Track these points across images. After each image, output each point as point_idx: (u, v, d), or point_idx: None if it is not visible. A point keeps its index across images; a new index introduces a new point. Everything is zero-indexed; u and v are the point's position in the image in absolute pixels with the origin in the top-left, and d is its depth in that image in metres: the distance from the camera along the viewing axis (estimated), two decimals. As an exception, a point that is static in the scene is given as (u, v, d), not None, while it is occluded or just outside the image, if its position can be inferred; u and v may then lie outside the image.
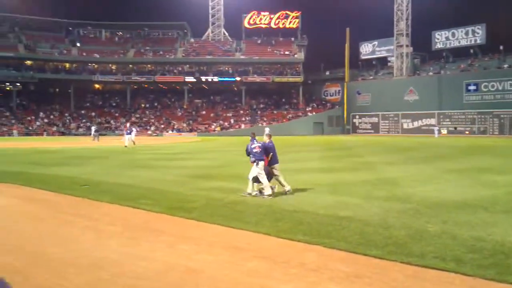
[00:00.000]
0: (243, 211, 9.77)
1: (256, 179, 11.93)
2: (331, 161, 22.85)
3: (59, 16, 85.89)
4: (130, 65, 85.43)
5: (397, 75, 76.98)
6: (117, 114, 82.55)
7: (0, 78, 78.14)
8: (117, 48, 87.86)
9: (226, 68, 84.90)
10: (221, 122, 78.84)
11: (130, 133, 37.28)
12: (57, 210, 10.52)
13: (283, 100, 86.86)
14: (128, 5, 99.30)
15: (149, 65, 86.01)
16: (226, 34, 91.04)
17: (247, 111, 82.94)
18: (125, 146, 34.85)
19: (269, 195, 11.57)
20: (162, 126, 78.18)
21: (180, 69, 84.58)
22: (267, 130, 13.32)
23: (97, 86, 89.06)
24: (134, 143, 36.73)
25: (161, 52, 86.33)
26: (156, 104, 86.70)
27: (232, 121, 79.17)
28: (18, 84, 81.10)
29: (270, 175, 12.13)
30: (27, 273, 5.97)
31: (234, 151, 31.18)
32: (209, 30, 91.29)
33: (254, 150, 12.02)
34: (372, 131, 76.79)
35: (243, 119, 79.88)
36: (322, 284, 5.55)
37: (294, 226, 8.33)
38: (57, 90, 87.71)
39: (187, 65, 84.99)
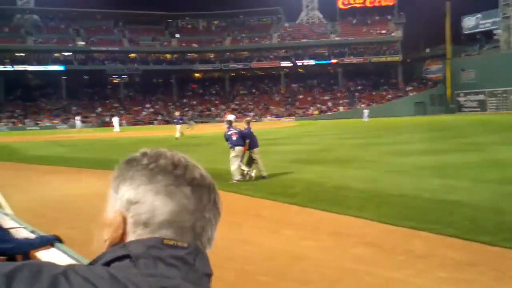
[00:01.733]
0: (345, 196, 9.72)
1: (249, 162, 13.03)
2: (435, 143, 21.99)
3: (159, 10, 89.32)
4: (227, 53, 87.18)
5: (505, 49, 71.98)
6: (217, 102, 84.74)
7: (109, 72, 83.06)
8: (214, 37, 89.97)
9: (322, 51, 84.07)
10: (318, 105, 78.40)
11: (180, 123, 34.03)
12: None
13: (382, 80, 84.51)
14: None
15: (245, 52, 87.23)
16: (320, 16, 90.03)
17: (345, 94, 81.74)
18: (176, 138, 31.82)
19: (238, 180, 12.42)
20: (261, 111, 79.17)
21: (275, 54, 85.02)
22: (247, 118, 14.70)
23: (197, 75, 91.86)
24: (182, 133, 33.90)
25: (256, 39, 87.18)
26: (254, 90, 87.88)
27: (329, 104, 78.45)
28: (125, 76, 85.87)
29: (251, 160, 13.03)
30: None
31: (333, 135, 30.98)
32: (303, 14, 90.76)
33: (233, 137, 12.88)
34: (478, 109, 72.51)
35: (341, 101, 78.84)
36: (432, 271, 5.42)
37: (399, 211, 8.17)
38: (160, 80, 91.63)
39: (283, 50, 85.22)
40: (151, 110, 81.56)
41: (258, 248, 6.55)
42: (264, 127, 48.90)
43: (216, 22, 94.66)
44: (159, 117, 77.28)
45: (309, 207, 8.92)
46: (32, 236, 3.60)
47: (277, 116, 75.46)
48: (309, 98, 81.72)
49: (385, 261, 5.83)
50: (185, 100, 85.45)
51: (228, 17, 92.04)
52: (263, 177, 12.69)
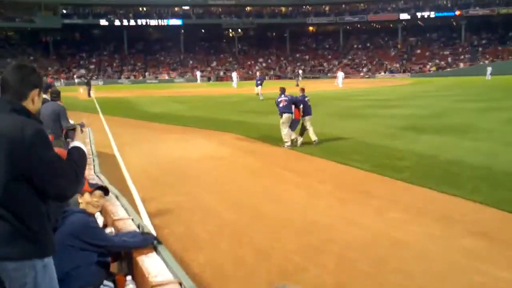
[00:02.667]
0: (457, 174, 9.13)
1: (301, 129, 13.40)
2: None
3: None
4: (343, 5, 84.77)
5: None
6: (329, 57, 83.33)
7: (225, 25, 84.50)
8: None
9: (444, 2, 78.82)
10: (437, 61, 74.17)
11: (258, 84, 31.95)
12: (274, 163, 11.14)
13: (510, 34, 77.62)
14: None
15: (362, 4, 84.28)
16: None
17: (467, 48, 76.40)
18: (261, 100, 30.07)
19: (288, 146, 12.82)
20: (375, 67, 76.66)
21: (394, 6, 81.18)
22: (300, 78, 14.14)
23: (311, 28, 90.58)
24: (257, 94, 31.57)
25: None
26: (368, 44, 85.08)
27: (449, 60, 73.92)
28: (240, 30, 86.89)
29: (303, 127, 13.34)
30: (247, 231, 6.48)
31: (450, 96, 29.24)
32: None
33: (281, 104, 13.11)
34: None
35: (462, 57, 73.89)
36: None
37: (518, 197, 7.52)
38: (274, 34, 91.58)
39: (402, 1, 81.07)
40: (264, 64, 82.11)
41: (360, 230, 6.37)
42: (376, 85, 47.40)
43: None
44: (271, 72, 77.61)
45: (417, 184, 8.49)
46: (135, 229, 3.76)
47: (391, 72, 72.65)
48: (427, 53, 77.51)
49: (499, 257, 5.40)
50: (297, 55, 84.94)
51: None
52: (314, 142, 12.93)
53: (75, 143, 2.74)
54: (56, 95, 9.03)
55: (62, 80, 67.65)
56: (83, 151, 2.70)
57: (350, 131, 15.19)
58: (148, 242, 3.51)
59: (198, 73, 66.34)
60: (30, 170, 2.37)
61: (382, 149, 12.00)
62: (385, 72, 73.08)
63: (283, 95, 13.31)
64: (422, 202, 7.55)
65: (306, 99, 13.49)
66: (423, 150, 11.58)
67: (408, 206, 7.39)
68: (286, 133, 12.94)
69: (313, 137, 13.01)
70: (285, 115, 12.94)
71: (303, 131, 13.39)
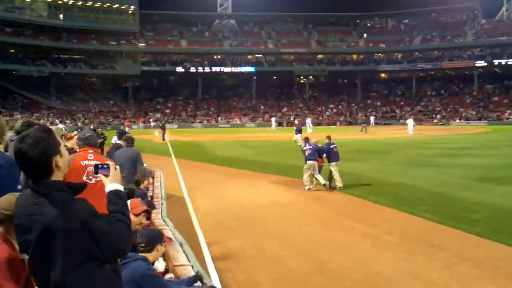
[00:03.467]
0: (536, 229, 8.66)
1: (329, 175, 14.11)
2: None
3: (348, 10, 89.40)
4: (416, 53, 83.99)
5: None
6: (402, 103, 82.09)
7: (296, 72, 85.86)
8: (402, 36, 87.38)
9: (523, 48, 76.29)
10: (516, 109, 71.15)
11: (299, 131, 31.27)
12: (339, 212, 11.03)
13: None
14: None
15: (435, 51, 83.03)
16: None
17: (550, 96, 72.91)
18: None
19: (308, 189, 13.76)
20: (449, 114, 74.64)
21: (469, 53, 79.41)
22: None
23: (382, 75, 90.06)
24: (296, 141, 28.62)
25: (448, 37, 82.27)
26: (442, 91, 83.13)
27: (530, 108, 70.75)
28: (311, 77, 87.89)
29: (330, 174, 14.17)
30: (308, 281, 6.42)
31: (531, 146, 27.91)
32: (504, 9, 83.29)
33: (306, 153, 14.11)
34: None
35: (544, 105, 70.52)
36: None
37: None
38: (345, 81, 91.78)
39: (478, 49, 79.28)
40: (335, 110, 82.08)
41: (428, 285, 6.15)
42: (450, 132, 46.02)
43: (405, 21, 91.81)
44: (342, 118, 77.36)
45: (491, 239, 8.12)
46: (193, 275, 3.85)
47: (467, 119, 70.37)
48: (505, 101, 74.55)
49: None
50: (369, 101, 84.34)
51: (419, 15, 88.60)
52: (338, 187, 13.67)
53: (113, 185, 2.53)
54: (130, 142, 9.49)
55: (140, 124, 70.56)
56: (124, 197, 2.54)
57: (421, 180, 14.80)
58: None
59: (273, 119, 66.71)
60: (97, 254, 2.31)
61: (454, 200, 11.60)
62: (460, 119, 70.87)
63: (307, 144, 14.44)
64: (496, 259, 7.19)
65: (332, 146, 14.51)
66: (498, 203, 11.08)
67: (479, 261, 7.07)
68: (306, 177, 13.89)
69: (339, 184, 13.77)
70: (309, 162, 13.89)
71: (330, 176, 14.15)
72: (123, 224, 2.37)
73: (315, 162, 13.89)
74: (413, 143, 32.09)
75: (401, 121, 68.75)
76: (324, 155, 14.46)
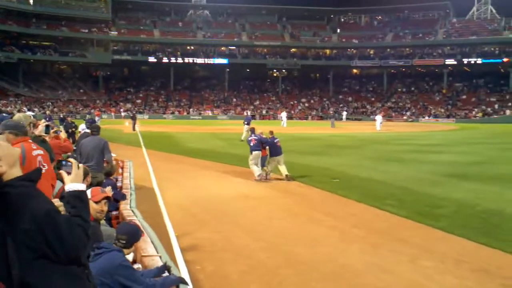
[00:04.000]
0: (498, 225, 8.88)
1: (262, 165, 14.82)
2: None
3: (322, 5, 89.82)
4: (388, 49, 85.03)
5: None
6: (373, 99, 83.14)
7: (269, 66, 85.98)
8: (375, 32, 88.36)
9: (492, 49, 77.93)
10: (483, 107, 72.73)
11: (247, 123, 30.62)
12: (309, 205, 11.12)
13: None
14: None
15: (407, 49, 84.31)
16: (494, 11, 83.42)
17: (515, 96, 74.75)
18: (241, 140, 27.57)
19: (256, 180, 14.18)
20: (418, 111, 75.87)
21: (440, 51, 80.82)
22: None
23: (354, 71, 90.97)
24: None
25: (420, 35, 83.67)
26: (413, 88, 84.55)
27: (496, 106, 72.39)
28: (284, 70, 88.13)
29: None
30: (277, 274, 6.47)
31: (497, 143, 28.59)
32: (474, 8, 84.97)
33: (251, 143, 14.73)
34: None
35: (509, 104, 72.24)
36: None
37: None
38: (317, 75, 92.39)
39: (448, 47, 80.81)
40: (307, 104, 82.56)
41: (395, 278, 6.26)
42: (419, 129, 46.81)
43: (379, 17, 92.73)
44: (313, 113, 77.87)
45: (455, 234, 8.31)
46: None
47: (436, 116, 71.69)
48: (473, 99, 76.27)
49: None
50: (340, 96, 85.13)
51: (392, 12, 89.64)
52: (286, 177, 14.32)
53: (73, 185, 2.40)
54: (96, 130, 9.40)
55: (112, 114, 69.56)
56: (85, 197, 2.43)
57: (389, 175, 15.04)
58: (174, 283, 3.59)
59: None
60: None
61: (420, 196, 11.82)
62: (429, 117, 72.17)
63: (253, 135, 15.11)
64: (458, 253, 7.36)
65: (276, 140, 14.95)
66: (463, 199, 11.33)
67: (444, 255, 7.22)
68: (254, 167, 14.52)
69: (284, 173, 14.44)
70: (254, 153, 14.62)
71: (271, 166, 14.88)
72: (80, 229, 2.25)
73: (259, 152, 14.67)
74: (382, 139, 32.57)
75: (371, 116, 69.54)
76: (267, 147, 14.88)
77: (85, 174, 2.78)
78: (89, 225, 2.33)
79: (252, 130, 15.70)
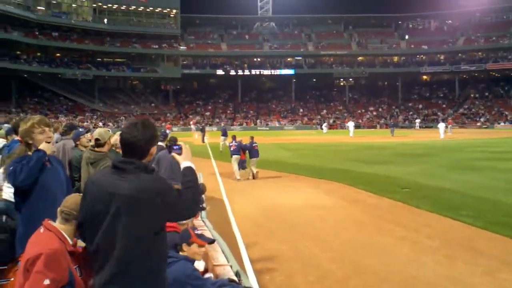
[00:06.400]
0: None
1: (241, 167, 17.34)
2: None
3: (389, 11, 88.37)
4: (459, 54, 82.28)
5: None
6: (444, 106, 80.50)
7: (336, 75, 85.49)
8: (446, 37, 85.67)
9: None
10: None
11: (225, 134, 30.92)
12: (378, 215, 10.92)
13: None
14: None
15: (479, 53, 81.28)
16: None
17: None
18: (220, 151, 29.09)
19: (238, 179, 16.73)
20: (493, 117, 72.71)
21: (515, 54, 77.28)
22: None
23: (424, 77, 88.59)
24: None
25: (493, 38, 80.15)
26: (486, 93, 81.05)
27: None
28: (351, 79, 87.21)
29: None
30: (346, 284, 6.42)
31: None
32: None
33: (231, 148, 17.29)
34: None
35: None
36: None
37: None
38: (386, 83, 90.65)
39: (523, 49, 77.12)
40: (375, 113, 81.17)
41: (468, 291, 6.06)
42: (494, 136, 44.78)
43: (448, 21, 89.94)
44: (382, 121, 76.39)
45: (536, 245, 7.93)
46: (232, 275, 3.93)
47: (512, 122, 68.46)
48: (552, 103, 72.15)
49: None
50: (410, 104, 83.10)
51: (463, 16, 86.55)
52: (255, 174, 17.18)
53: (186, 163, 2.99)
54: (173, 143, 9.67)
55: (181, 126, 71.39)
56: (194, 171, 2.95)
57: (462, 185, 14.48)
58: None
59: (324, 125, 63.82)
60: (168, 220, 2.80)
61: (496, 205, 11.33)
62: (504, 123, 68.93)
63: (234, 142, 17.55)
64: (539, 265, 7.02)
65: (254, 145, 17.54)
66: (544, 208, 10.77)
67: (523, 268, 6.90)
68: (235, 169, 17.01)
69: (254, 171, 17.24)
70: (234, 156, 17.08)
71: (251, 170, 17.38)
72: (191, 189, 2.81)
73: (238, 156, 17.07)
74: (454, 146, 31.45)
75: (443, 123, 67.30)
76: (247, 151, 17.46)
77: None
78: (200, 188, 3.04)
79: (233, 137, 18.17)
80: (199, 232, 4.06)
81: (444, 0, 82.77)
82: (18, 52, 68.86)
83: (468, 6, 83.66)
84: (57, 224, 3.05)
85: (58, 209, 3.09)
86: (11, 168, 3.68)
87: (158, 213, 2.60)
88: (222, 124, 39.00)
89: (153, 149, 2.78)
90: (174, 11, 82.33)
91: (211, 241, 4.08)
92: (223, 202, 12.61)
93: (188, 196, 2.77)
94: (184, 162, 3.00)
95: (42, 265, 2.79)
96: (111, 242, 2.51)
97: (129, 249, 2.51)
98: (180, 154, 3.08)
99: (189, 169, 2.94)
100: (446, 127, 47.58)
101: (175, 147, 3.11)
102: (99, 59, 78.73)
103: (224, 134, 30.96)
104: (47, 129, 4.01)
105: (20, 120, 4.05)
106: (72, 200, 3.07)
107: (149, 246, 2.57)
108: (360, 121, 76.49)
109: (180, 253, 3.84)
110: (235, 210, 11.45)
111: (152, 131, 2.75)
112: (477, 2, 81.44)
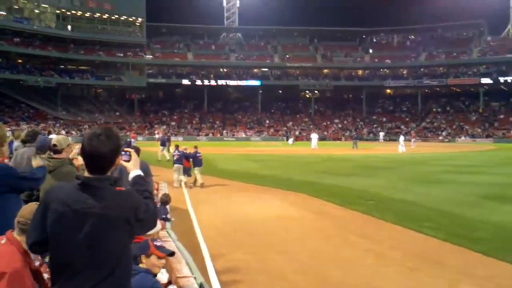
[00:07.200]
0: (540, 249, 8.64)
1: (187, 174, 18.04)
2: None
3: (354, 25, 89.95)
4: (421, 69, 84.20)
5: None
6: (407, 119, 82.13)
7: (302, 87, 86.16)
8: (408, 52, 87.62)
9: (530, 66, 76.21)
10: (522, 127, 70.96)
11: (162, 144, 31.33)
12: (343, 227, 11.02)
13: None
14: (421, 9, 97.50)
15: (441, 68, 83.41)
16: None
17: (556, 115, 72.67)
18: (159, 160, 28.97)
19: (176, 187, 17.16)
20: (454, 131, 74.56)
21: (475, 70, 79.56)
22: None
23: (388, 91, 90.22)
24: (164, 156, 29.93)
25: (454, 54, 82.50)
26: (448, 108, 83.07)
27: (536, 126, 70.50)
28: (316, 91, 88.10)
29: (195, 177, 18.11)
30: (311, 296, 6.43)
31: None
32: (510, 26, 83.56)
33: (175, 157, 17.81)
34: None
35: (550, 123, 70.27)
36: None
37: None
38: (350, 96, 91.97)
39: (483, 66, 79.49)
40: (340, 125, 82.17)
41: (431, 302, 6.15)
42: (455, 150, 45.91)
43: (411, 37, 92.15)
44: (347, 133, 77.36)
45: (495, 257, 8.11)
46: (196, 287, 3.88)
47: (472, 136, 70.26)
48: (511, 119, 74.45)
49: None
50: (374, 117, 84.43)
51: (425, 31, 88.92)
52: (201, 185, 17.71)
53: (136, 171, 2.88)
54: (137, 151, 9.54)
55: (153, 135, 70.40)
56: (145, 179, 2.88)
57: (425, 197, 14.76)
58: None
59: (291, 139, 63.90)
60: (137, 234, 2.81)
61: (458, 218, 11.58)
62: (465, 137, 70.77)
63: (177, 151, 17.92)
64: (498, 276, 7.20)
65: (198, 154, 18.08)
66: (503, 221, 11.07)
67: (482, 279, 7.06)
68: (175, 178, 17.62)
69: (200, 182, 17.75)
70: (176, 165, 17.63)
71: (195, 179, 18.01)
72: (150, 200, 2.75)
73: (181, 166, 17.58)
74: (418, 160, 32.09)
75: (406, 137, 68.59)
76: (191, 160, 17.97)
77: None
78: (153, 196, 2.87)
79: (176, 147, 18.49)
80: (158, 243, 4.00)
81: (407, 16, 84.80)
82: (-22, 58, 67.15)
83: (429, 22, 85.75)
84: (16, 236, 2.94)
85: (15, 219, 2.98)
86: None
87: (130, 229, 2.54)
88: (160, 135, 39.68)
89: (118, 160, 2.67)
90: (140, 19, 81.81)
91: (171, 253, 4.01)
92: (188, 213, 12.50)
93: (151, 207, 2.68)
94: (134, 170, 2.89)
95: (5, 286, 2.70)
96: (82, 260, 2.44)
97: (100, 265, 2.45)
98: (128, 161, 2.90)
99: (140, 178, 2.86)
100: (409, 140, 48.51)
101: (123, 153, 2.86)
102: (62, 66, 77.27)
103: (163, 144, 31.18)
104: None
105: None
106: (29, 209, 2.94)
107: (119, 261, 2.51)
108: (326, 133, 77.26)
109: (140, 265, 3.77)
110: (200, 221, 11.37)
111: (116, 141, 2.62)
112: (439, 19, 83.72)
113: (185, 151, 18.06)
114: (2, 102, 69.30)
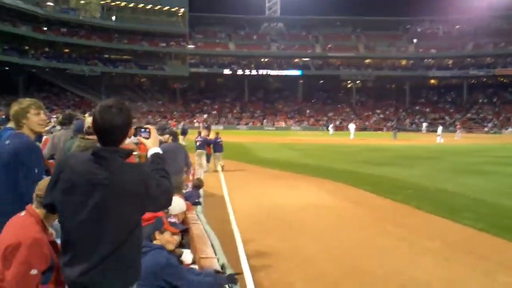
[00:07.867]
0: None
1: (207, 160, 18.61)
2: None
3: (398, 15, 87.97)
4: (468, 59, 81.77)
5: None
6: (451, 110, 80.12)
7: (343, 77, 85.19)
8: (454, 42, 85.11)
9: None
10: None
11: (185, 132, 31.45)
12: (379, 216, 10.83)
13: None
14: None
15: (488, 58, 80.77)
16: None
17: None
18: None
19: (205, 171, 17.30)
20: (501, 122, 72.30)
21: (524, 59, 76.76)
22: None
23: (432, 81, 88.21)
24: None
25: (502, 44, 79.60)
26: (494, 99, 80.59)
27: None
28: (358, 81, 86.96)
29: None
30: (341, 284, 6.35)
31: None
32: None
33: (197, 143, 18.00)
34: None
35: None
36: None
37: None
38: (393, 86, 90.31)
39: (533, 55, 76.60)
40: (381, 116, 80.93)
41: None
42: (501, 141, 44.50)
43: (457, 26, 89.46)
44: (389, 124, 76.13)
45: (536, 249, 7.83)
46: (218, 268, 3.88)
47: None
48: (561, 110, 71.64)
49: None
50: (417, 107, 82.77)
51: (471, 21, 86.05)
52: (221, 167, 18.89)
53: (155, 149, 2.83)
54: (174, 137, 9.64)
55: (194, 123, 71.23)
56: (164, 158, 2.82)
57: (465, 188, 14.36)
58: (223, 281, 3.61)
59: (331, 126, 64.02)
60: (147, 211, 2.67)
61: (499, 209, 11.22)
62: (513, 128, 68.59)
63: (199, 137, 18.42)
64: (539, 269, 6.93)
65: (218, 140, 19.02)
66: (547, 213, 10.66)
67: (522, 271, 6.82)
68: (202, 162, 17.85)
69: (219, 167, 18.82)
70: (198, 151, 17.87)
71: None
72: (166, 179, 2.68)
73: (204, 151, 18.02)
74: (462, 150, 31.26)
75: (450, 128, 67.02)
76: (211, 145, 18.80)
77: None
78: (169, 175, 2.76)
79: (199, 133, 18.97)
80: (172, 220, 4.01)
81: (453, 5, 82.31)
82: (26, 47, 69.15)
83: (477, 11, 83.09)
84: (35, 209, 3.01)
85: (34, 193, 3.03)
86: None
87: (140, 203, 2.52)
88: (182, 124, 40.53)
89: (130, 133, 2.64)
90: (182, 9, 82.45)
91: (185, 229, 4.01)
92: (224, 199, 12.57)
93: (164, 184, 2.63)
94: (152, 148, 2.84)
95: (25, 256, 2.77)
96: (89, 233, 2.43)
97: (108, 241, 2.43)
98: (147, 138, 2.84)
99: (158, 156, 2.81)
100: (454, 131, 47.40)
101: (142, 131, 2.83)
102: (107, 56, 78.85)
103: (183, 133, 30.98)
104: (41, 112, 4.03)
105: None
106: (46, 183, 2.99)
107: (127, 238, 2.49)
108: (367, 123, 76.28)
109: (154, 242, 3.78)
110: (235, 207, 11.41)
111: (127, 113, 2.58)
112: (486, 8, 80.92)
113: (206, 137, 18.72)
114: (49, 90, 71.42)
